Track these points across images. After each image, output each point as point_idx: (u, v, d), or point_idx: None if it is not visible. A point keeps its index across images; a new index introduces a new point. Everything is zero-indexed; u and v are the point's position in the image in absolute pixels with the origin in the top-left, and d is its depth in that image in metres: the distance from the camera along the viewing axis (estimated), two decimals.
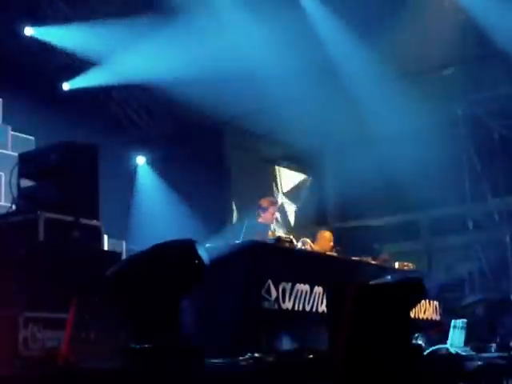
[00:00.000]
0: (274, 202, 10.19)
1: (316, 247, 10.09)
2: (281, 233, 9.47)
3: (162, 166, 12.90)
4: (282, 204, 10.56)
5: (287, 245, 8.63)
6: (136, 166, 13.39)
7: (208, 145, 12.93)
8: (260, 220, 9.83)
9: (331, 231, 10.57)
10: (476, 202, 12.83)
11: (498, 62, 12.02)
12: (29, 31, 11.39)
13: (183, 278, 5.61)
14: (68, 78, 11.85)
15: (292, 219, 13.33)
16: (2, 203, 9.51)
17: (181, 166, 12.40)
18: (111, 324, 6.05)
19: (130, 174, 12.53)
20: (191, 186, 12.12)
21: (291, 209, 13.28)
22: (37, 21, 11.17)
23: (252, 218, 10.46)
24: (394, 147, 12.38)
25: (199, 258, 5.51)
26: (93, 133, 9.97)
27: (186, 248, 5.60)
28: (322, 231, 10.59)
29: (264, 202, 9.99)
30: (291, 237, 9.15)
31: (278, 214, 9.95)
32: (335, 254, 9.45)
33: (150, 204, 11.92)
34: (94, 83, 11.67)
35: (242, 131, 13.51)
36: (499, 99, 12.36)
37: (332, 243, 10.21)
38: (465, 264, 12.01)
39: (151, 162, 13.38)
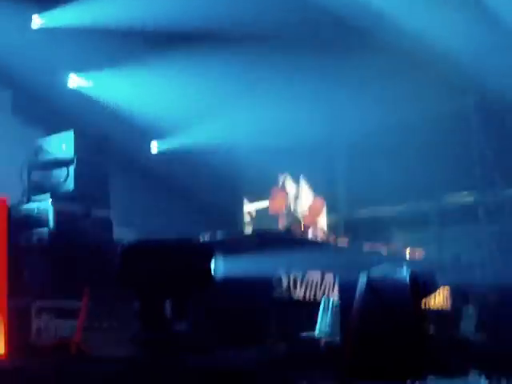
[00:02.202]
0: (284, 192, 10.19)
1: (307, 216, 10.07)
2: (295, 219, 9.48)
3: (173, 154, 12.88)
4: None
5: (298, 235, 8.64)
6: (150, 154, 13.36)
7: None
8: (270, 210, 9.84)
9: (324, 198, 10.53)
10: (487, 192, 12.79)
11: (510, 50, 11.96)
12: (37, 22, 11.42)
13: (193, 283, 5.65)
14: (77, 71, 11.87)
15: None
16: (14, 193, 9.54)
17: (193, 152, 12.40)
18: (124, 313, 6.08)
19: (143, 163, 12.48)
20: (202, 175, 12.12)
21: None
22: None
23: (263, 208, 10.48)
24: (406, 136, 12.34)
25: (212, 273, 5.55)
26: (103, 123, 9.99)
27: (203, 259, 5.64)
28: (314, 199, 10.52)
29: (274, 192, 10.01)
30: (302, 226, 9.16)
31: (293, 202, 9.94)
32: (346, 243, 9.42)
33: (162, 192, 11.89)
34: (103, 76, 11.69)
35: None
36: None
37: (322, 210, 10.23)
38: (476, 253, 11.99)
39: (163, 150, 13.36)
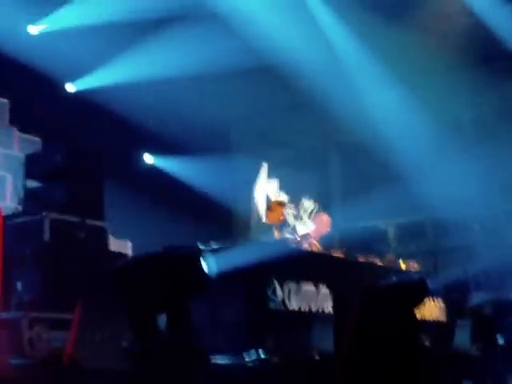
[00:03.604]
0: (282, 204, 10.15)
1: (312, 231, 9.98)
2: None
3: (169, 166, 12.91)
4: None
5: (294, 245, 8.59)
6: (144, 165, 13.37)
7: (214, 145, 12.93)
8: (267, 220, 9.81)
9: (329, 215, 10.39)
10: (482, 203, 12.81)
11: (504, 63, 12.03)
12: (33, 30, 11.46)
13: (186, 287, 5.64)
14: (73, 79, 11.89)
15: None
16: (9, 204, 9.52)
17: (188, 165, 12.41)
18: (117, 325, 6.05)
19: (138, 174, 12.50)
20: (198, 186, 12.13)
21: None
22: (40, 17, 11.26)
23: (259, 219, 10.46)
24: (400, 148, 12.37)
25: (203, 270, 5.53)
26: (99, 133, 9.99)
27: (191, 258, 5.63)
28: (320, 214, 10.39)
29: (272, 203, 9.99)
30: (298, 237, 9.13)
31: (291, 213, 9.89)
32: (342, 255, 9.41)
33: (158, 204, 11.90)
34: (99, 84, 11.70)
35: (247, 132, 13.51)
36: (506, 101, 12.36)
37: (329, 228, 10.07)
38: (470, 265, 12.00)
39: (159, 162, 13.38)
